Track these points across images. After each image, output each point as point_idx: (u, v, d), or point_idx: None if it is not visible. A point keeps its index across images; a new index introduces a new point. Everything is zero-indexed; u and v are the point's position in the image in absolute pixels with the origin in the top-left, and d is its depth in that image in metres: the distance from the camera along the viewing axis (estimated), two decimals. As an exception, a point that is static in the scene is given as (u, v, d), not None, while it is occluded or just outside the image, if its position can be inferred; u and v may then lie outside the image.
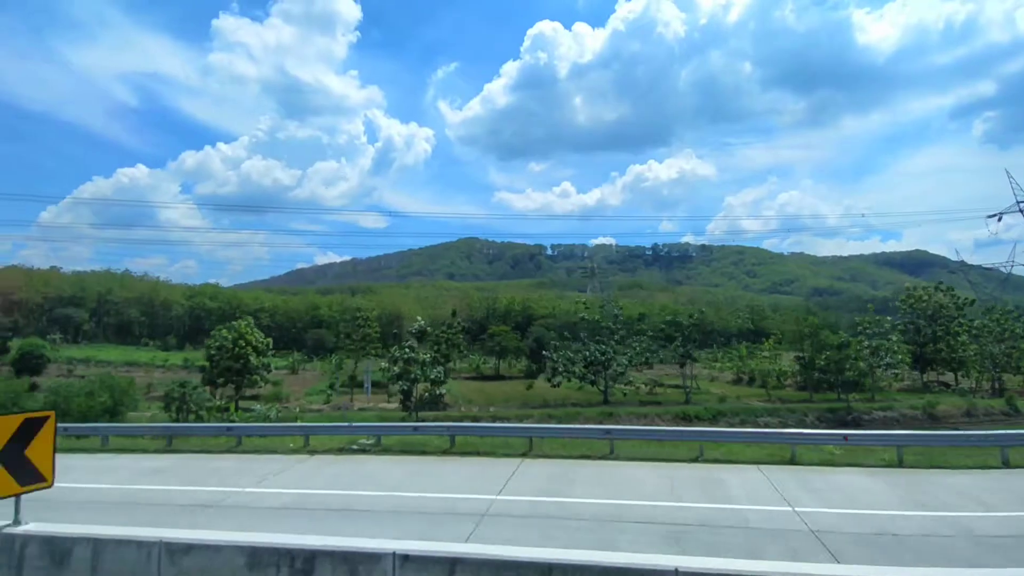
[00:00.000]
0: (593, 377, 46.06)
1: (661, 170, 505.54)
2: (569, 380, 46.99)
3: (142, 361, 63.72)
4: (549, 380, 48.03)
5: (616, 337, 48.78)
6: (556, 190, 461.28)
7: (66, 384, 27.71)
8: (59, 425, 18.54)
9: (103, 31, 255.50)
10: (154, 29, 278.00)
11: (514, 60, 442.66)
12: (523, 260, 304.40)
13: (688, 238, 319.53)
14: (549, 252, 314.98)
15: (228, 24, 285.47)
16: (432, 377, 37.62)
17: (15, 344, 54.80)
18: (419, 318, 45.35)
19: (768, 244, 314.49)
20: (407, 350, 37.82)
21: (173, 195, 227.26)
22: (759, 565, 4.42)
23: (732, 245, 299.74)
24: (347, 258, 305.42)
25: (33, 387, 54.93)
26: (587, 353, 46.15)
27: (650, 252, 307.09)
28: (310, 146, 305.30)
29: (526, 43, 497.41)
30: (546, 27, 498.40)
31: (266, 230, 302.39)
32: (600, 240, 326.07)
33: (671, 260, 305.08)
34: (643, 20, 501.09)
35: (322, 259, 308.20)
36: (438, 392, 38.20)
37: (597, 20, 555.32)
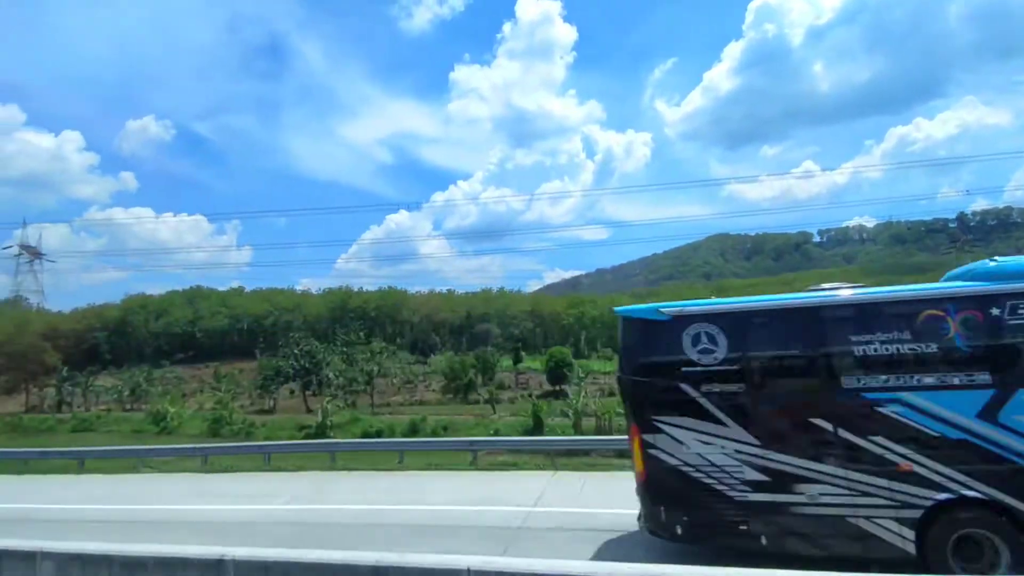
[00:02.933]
0: None
1: (933, 128, 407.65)
2: None
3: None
4: None
5: None
6: (796, 172, 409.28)
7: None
8: None
9: (363, 106, 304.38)
10: (402, 95, 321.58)
11: (736, 40, 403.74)
12: (787, 251, 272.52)
13: (980, 203, 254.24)
14: (817, 239, 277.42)
15: (462, 74, 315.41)
16: None
17: (550, 352, 55.94)
18: None
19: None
20: None
21: (428, 232, 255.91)
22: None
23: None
24: (586, 271, 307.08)
25: (558, 394, 55.35)
26: None
27: (954, 224, 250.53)
28: (535, 170, 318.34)
29: (748, 19, 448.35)
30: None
31: (502, 253, 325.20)
32: (858, 220, 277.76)
33: (987, 231, 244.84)
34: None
35: (550, 276, 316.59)
36: None
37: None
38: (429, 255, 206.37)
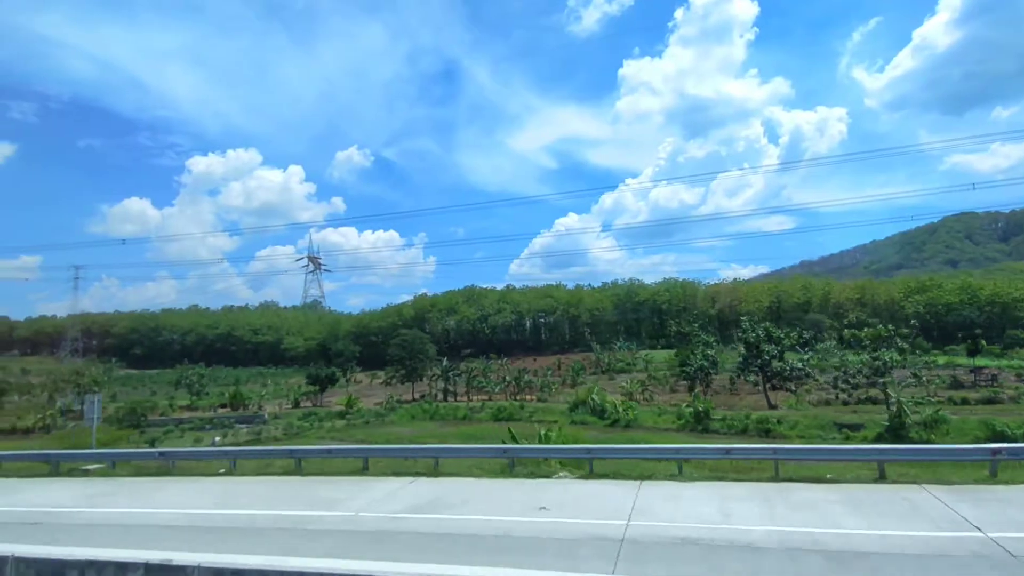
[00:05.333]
0: None
1: None
2: None
3: None
4: None
5: None
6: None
7: None
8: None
9: (529, 116, 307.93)
10: (567, 100, 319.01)
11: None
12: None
13: None
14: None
15: (631, 70, 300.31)
16: None
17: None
18: None
19: None
20: None
21: (596, 232, 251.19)
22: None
23: None
24: (775, 266, 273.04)
25: None
26: None
27: None
28: (710, 161, 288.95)
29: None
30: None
31: (675, 251, 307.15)
32: None
33: None
34: None
35: (727, 272, 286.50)
36: None
37: None
38: (598, 256, 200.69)
